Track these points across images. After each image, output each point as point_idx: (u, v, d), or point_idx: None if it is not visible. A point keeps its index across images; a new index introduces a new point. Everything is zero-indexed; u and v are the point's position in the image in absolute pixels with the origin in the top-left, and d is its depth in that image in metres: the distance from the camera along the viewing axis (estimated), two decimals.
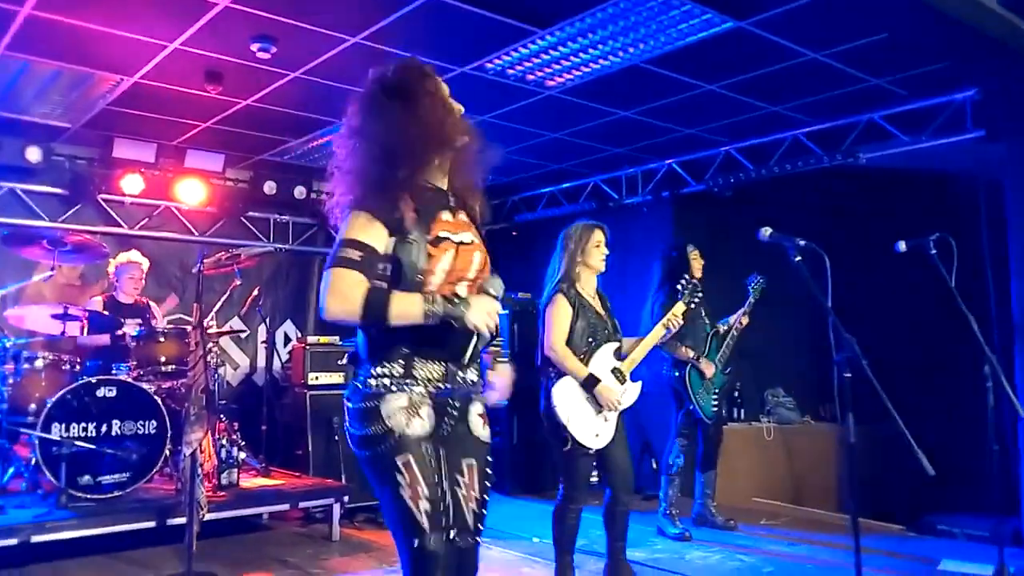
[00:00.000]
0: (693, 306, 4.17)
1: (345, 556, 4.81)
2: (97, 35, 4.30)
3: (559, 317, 3.82)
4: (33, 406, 4.69)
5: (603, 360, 3.87)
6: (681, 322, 3.99)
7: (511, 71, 4.86)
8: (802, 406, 7.45)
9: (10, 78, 4.94)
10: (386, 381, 2.14)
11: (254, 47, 4.36)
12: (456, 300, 2.13)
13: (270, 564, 4.61)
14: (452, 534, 2.16)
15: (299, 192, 7.14)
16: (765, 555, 4.77)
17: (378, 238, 2.12)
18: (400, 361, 2.15)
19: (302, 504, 5.27)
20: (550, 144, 6.42)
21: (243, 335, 7.24)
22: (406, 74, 2.34)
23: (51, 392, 4.61)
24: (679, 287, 4.15)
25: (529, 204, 8.19)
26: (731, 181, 6.35)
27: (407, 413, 2.12)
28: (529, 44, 4.45)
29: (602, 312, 3.96)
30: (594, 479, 4.00)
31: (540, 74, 4.91)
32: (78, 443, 4.44)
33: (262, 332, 7.37)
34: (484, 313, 2.14)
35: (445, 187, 2.33)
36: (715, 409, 5.25)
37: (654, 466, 6.42)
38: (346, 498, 5.27)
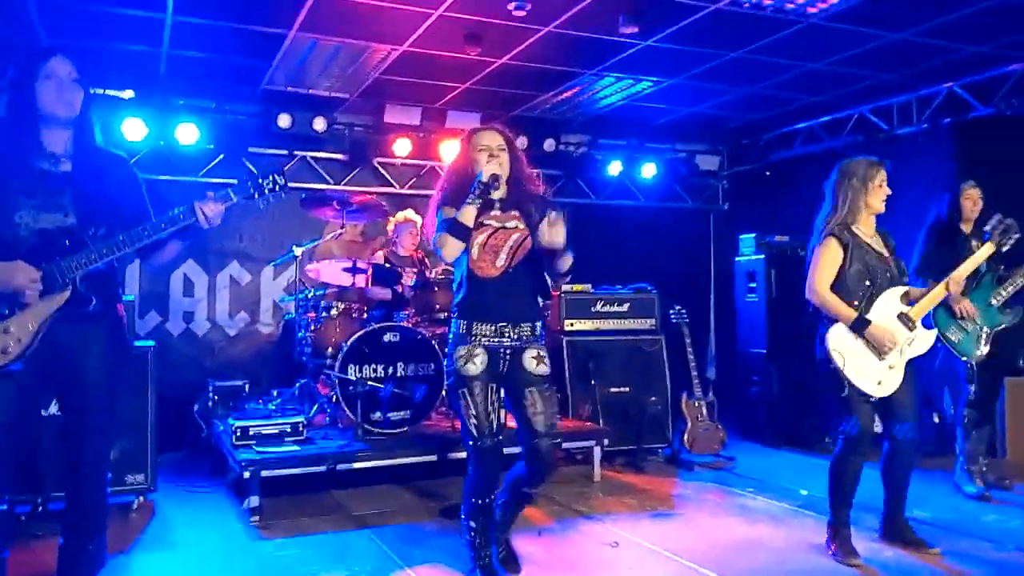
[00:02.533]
0: (1005, 248, 3.74)
1: (608, 496, 4.97)
2: (373, 9, 4.67)
3: (825, 260, 3.63)
4: (331, 349, 5.29)
5: (887, 304, 3.62)
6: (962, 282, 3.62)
7: (766, 1, 4.58)
8: None
9: (300, 56, 5.52)
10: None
11: (510, 6, 4.50)
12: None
13: (538, 500, 4.84)
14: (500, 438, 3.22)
15: (548, 145, 7.31)
16: None
17: None
18: (463, 322, 3.16)
19: (565, 444, 5.49)
20: (808, 75, 5.99)
21: None
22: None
23: (344, 337, 5.18)
24: (988, 227, 3.74)
25: (785, 141, 7.73)
26: None
27: (465, 358, 3.11)
28: None
29: (885, 253, 3.68)
30: (877, 429, 3.77)
31: (801, 1, 4.58)
32: (370, 383, 4.96)
33: None
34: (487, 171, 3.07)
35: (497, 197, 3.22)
36: (983, 349, 4.63)
37: (936, 419, 5.91)
38: (606, 441, 5.43)
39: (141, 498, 4.50)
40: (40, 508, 4.01)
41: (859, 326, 3.56)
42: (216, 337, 6.78)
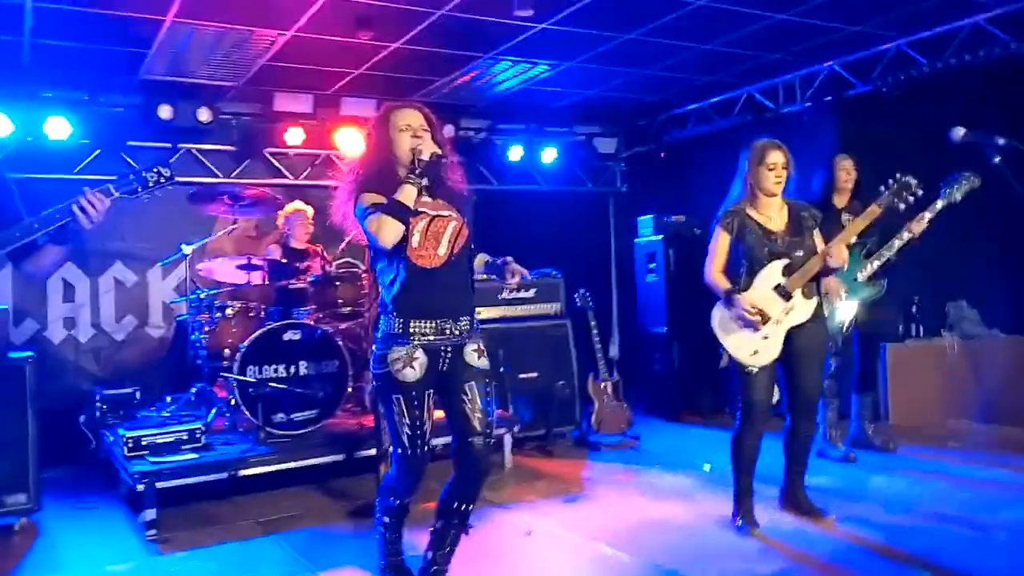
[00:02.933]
0: (904, 208, 3.88)
1: (519, 483, 4.96)
2: None
3: (713, 247, 3.83)
4: (228, 351, 5.08)
5: (767, 277, 3.73)
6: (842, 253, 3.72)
7: None
8: (989, 319, 6.89)
9: (179, 43, 5.22)
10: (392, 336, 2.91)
11: None
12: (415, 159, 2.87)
13: None
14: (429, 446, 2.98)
15: (448, 130, 7.17)
16: (957, 480, 4.52)
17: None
18: (399, 319, 2.89)
19: None
20: (699, 56, 6.09)
21: None
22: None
23: (242, 337, 4.98)
24: (883, 187, 3.87)
25: (678, 122, 7.88)
26: (902, 79, 5.83)
27: (402, 362, 2.85)
28: None
29: (778, 229, 3.76)
30: (774, 401, 3.89)
31: None
32: (271, 384, 4.78)
33: None
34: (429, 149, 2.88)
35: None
36: (845, 322, 4.85)
37: None
38: (516, 427, 5.42)
39: (23, 519, 4.20)
40: None
41: (727, 300, 3.71)
42: (102, 343, 6.37)
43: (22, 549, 3.99)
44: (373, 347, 3.00)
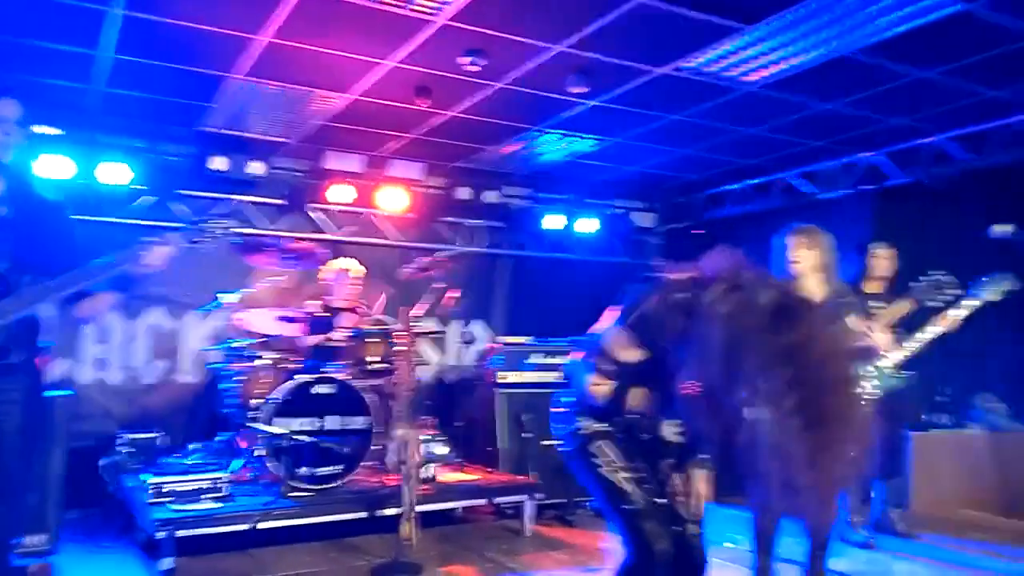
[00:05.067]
0: (935, 304, 3.85)
1: (539, 552, 4.88)
2: (323, 58, 4.63)
3: None
4: (256, 401, 5.09)
5: None
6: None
7: (708, 69, 4.73)
8: (1017, 413, 6.76)
9: (241, 100, 5.41)
10: None
11: (464, 61, 4.50)
12: None
13: (469, 556, 4.75)
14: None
15: (491, 196, 7.31)
16: (977, 573, 4.42)
17: None
18: None
19: (497, 499, 5.41)
20: (743, 139, 6.20)
21: (436, 335, 7.51)
22: None
23: (272, 389, 5.01)
24: (916, 282, 3.85)
25: (717, 201, 7.95)
26: (943, 172, 5.85)
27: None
28: (732, 41, 4.31)
29: None
30: None
31: (739, 70, 4.75)
32: (297, 436, 4.78)
33: (452, 331, 7.64)
34: None
35: None
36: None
37: None
38: (538, 495, 5.35)
39: (40, 561, 4.17)
40: None
41: None
42: (131, 386, 6.38)
43: None
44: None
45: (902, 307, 3.80)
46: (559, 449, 2.70)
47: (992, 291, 4.43)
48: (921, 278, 3.88)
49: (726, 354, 2.03)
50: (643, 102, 5.32)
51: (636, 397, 2.42)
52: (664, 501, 2.49)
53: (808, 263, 3.72)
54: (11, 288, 2.45)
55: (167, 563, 4.06)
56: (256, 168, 6.30)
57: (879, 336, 3.64)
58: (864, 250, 5.09)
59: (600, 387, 2.46)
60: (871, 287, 5.02)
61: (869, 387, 4.72)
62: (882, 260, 5.02)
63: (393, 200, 7.06)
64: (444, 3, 3.94)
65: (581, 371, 2.54)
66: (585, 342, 2.60)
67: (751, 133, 6.02)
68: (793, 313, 2.05)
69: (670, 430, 2.52)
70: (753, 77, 4.84)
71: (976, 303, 4.48)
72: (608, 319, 2.52)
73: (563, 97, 5.17)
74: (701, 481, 2.56)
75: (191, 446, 5.53)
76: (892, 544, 4.93)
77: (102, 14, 4.09)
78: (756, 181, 7.39)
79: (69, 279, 2.49)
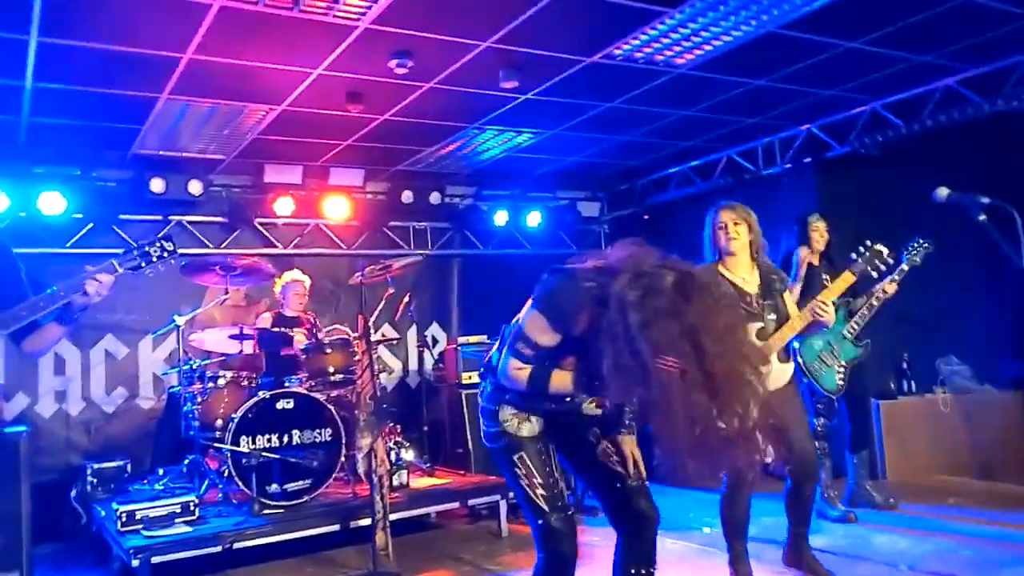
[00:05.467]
0: (877, 275, 3.96)
1: (517, 552, 4.89)
2: (249, 71, 4.59)
3: None
4: (220, 421, 5.05)
5: None
6: (829, 307, 3.76)
7: (639, 54, 4.79)
8: (980, 375, 6.95)
9: (172, 120, 5.33)
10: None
11: (392, 64, 4.51)
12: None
13: (446, 561, 4.76)
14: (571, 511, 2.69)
15: (434, 198, 7.33)
16: (958, 538, 4.49)
17: None
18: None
19: (471, 502, 5.42)
20: (679, 122, 6.29)
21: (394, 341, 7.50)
22: None
23: (234, 407, 4.96)
24: (854, 254, 3.96)
25: (660, 185, 8.05)
26: (879, 140, 6.01)
27: (516, 419, 2.70)
28: (658, 24, 4.36)
29: (752, 292, 3.77)
30: (767, 460, 3.88)
31: (669, 53, 4.81)
32: (264, 454, 4.74)
33: (411, 336, 7.63)
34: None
35: None
36: (840, 383, 4.85)
37: None
38: (511, 494, 5.37)
39: None
40: None
41: None
42: (92, 416, 6.29)
43: None
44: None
45: (846, 279, 3.90)
46: (485, 445, 2.84)
47: (916, 255, 4.63)
48: (859, 249, 3.99)
49: (638, 335, 2.18)
50: (576, 92, 5.36)
51: (557, 379, 2.56)
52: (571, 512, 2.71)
53: (742, 239, 3.80)
54: None
55: None
56: (194, 187, 6.23)
57: (828, 308, 3.73)
58: (803, 222, 5.20)
59: (521, 372, 2.57)
60: (814, 261, 5.12)
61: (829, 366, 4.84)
62: (822, 232, 5.14)
63: (336, 208, 7.03)
64: (367, 7, 3.92)
65: (504, 359, 2.64)
66: (504, 332, 2.75)
67: (687, 115, 6.11)
68: (692, 292, 2.22)
69: (589, 406, 2.73)
70: (683, 60, 4.91)
71: (907, 267, 4.67)
72: (526, 308, 2.66)
73: (496, 93, 5.19)
74: (628, 444, 2.80)
75: (159, 471, 5.45)
76: (870, 517, 5.01)
77: (24, 43, 4.00)
78: (697, 163, 7.50)
79: (14, 314, 2.44)
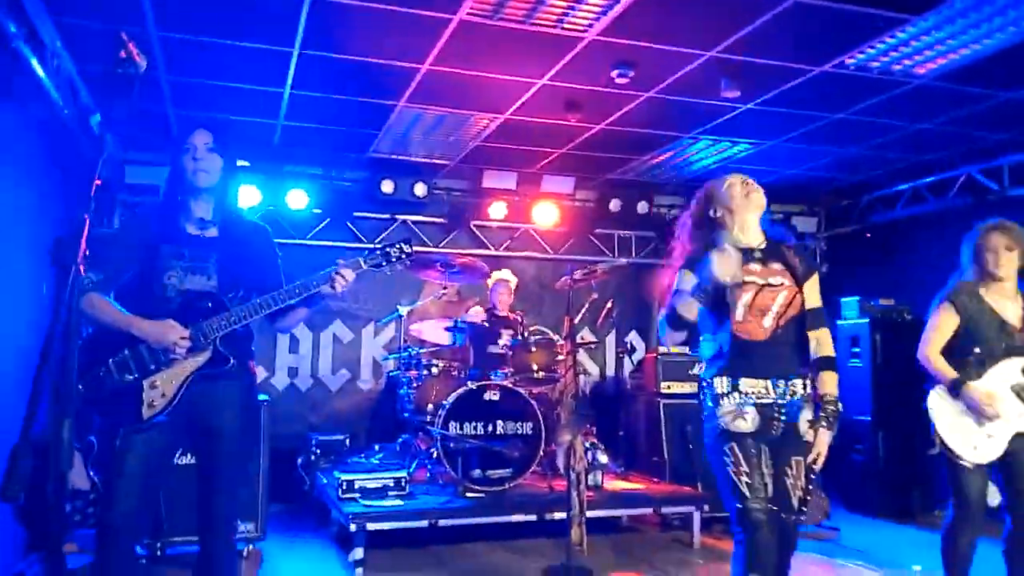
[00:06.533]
0: None
1: (709, 564, 4.83)
2: (479, 81, 4.88)
3: (934, 324, 3.58)
4: (431, 406, 5.40)
5: (1003, 373, 3.46)
6: None
7: (874, 63, 4.57)
8: None
9: (406, 126, 5.78)
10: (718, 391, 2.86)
11: (613, 74, 4.61)
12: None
13: (639, 565, 4.78)
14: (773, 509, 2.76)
15: (642, 207, 7.38)
16: None
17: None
18: (727, 377, 2.84)
19: (664, 509, 5.41)
20: (914, 135, 5.90)
21: (592, 346, 7.63)
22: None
23: (445, 395, 5.29)
24: None
25: (887, 202, 7.56)
26: None
27: (733, 414, 2.80)
28: (898, 33, 4.15)
29: (1013, 322, 3.50)
30: (992, 503, 3.57)
31: (908, 63, 4.55)
32: (471, 440, 5.02)
33: (610, 341, 7.72)
34: (719, 266, 2.71)
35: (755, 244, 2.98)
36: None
37: None
38: (706, 507, 5.30)
39: (251, 546, 4.64)
40: (159, 552, 4.19)
41: (954, 387, 3.46)
42: (319, 392, 7.00)
43: (251, 572, 4.42)
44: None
45: None
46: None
47: None
48: None
49: None
50: (801, 103, 5.20)
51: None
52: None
53: (1012, 267, 3.52)
54: (221, 304, 2.75)
55: (358, 553, 4.39)
56: (419, 190, 6.73)
57: None
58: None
59: None
60: None
61: None
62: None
63: (546, 215, 7.29)
64: (594, 20, 4.06)
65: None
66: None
67: (923, 128, 5.72)
68: None
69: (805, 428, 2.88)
70: (923, 69, 4.62)
71: None
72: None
73: (715, 103, 5.15)
74: (821, 439, 2.88)
75: (375, 447, 5.94)
76: None
77: (288, 55, 4.52)
78: (931, 179, 6.97)
79: (274, 298, 2.77)
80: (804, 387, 2.87)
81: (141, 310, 2.67)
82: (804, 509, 2.81)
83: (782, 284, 2.89)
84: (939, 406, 3.53)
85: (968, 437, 3.45)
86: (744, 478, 2.73)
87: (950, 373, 3.49)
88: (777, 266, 2.93)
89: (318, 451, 5.93)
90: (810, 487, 2.82)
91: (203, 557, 2.80)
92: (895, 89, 4.94)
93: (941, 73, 4.67)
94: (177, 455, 3.97)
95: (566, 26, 4.14)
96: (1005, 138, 5.89)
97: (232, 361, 2.77)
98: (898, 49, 4.35)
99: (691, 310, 2.80)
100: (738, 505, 2.72)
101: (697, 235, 3.04)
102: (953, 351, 3.54)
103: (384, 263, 2.95)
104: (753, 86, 4.88)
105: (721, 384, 2.84)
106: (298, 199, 6.66)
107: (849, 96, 5.09)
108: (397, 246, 2.97)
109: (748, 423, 2.78)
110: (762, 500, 2.71)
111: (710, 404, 2.87)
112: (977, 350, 3.50)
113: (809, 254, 2.98)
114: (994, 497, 3.56)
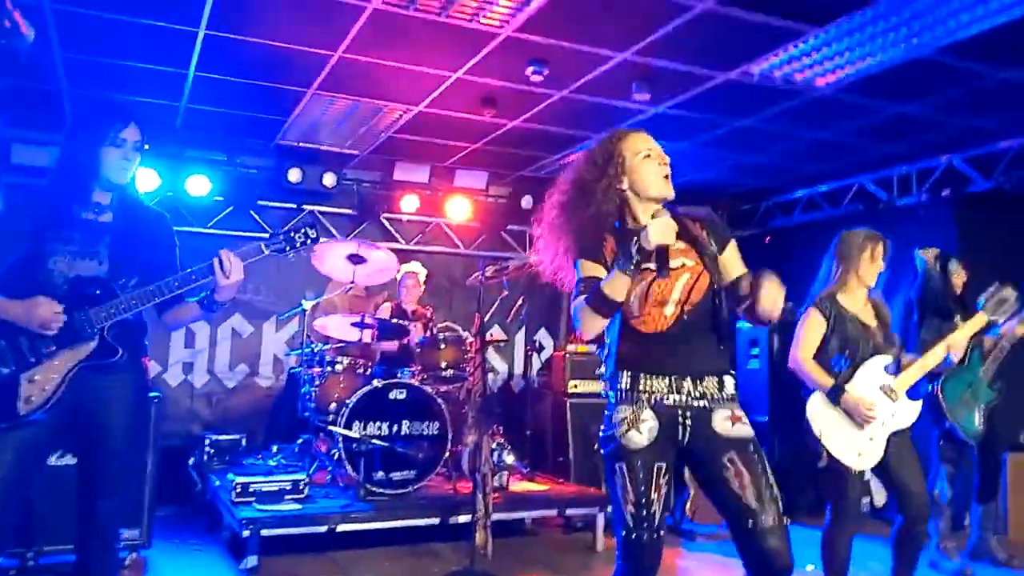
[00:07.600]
0: (1000, 321, 3.75)
1: (611, 567, 4.83)
2: (393, 71, 4.76)
3: (806, 331, 3.64)
4: (334, 405, 5.23)
5: (869, 374, 3.58)
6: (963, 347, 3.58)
7: (778, 72, 4.69)
8: None
9: (316, 114, 5.59)
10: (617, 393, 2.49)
11: (528, 71, 4.57)
12: (637, 238, 2.29)
13: (540, 569, 4.76)
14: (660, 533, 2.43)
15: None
16: None
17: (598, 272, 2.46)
18: (626, 375, 2.47)
19: (568, 511, 5.40)
20: (813, 144, 6.11)
21: (502, 343, 7.60)
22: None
23: (348, 393, 5.13)
24: (982, 297, 3.75)
25: (785, 209, 7.83)
26: None
27: (627, 424, 2.41)
28: (800, 44, 4.27)
29: (870, 324, 3.63)
30: (869, 504, 3.71)
31: (809, 73, 4.69)
32: (374, 441, 4.89)
33: (519, 340, 7.71)
34: (661, 231, 2.27)
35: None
36: (980, 427, 4.56)
37: None
38: (609, 508, 5.34)
39: (134, 554, 4.38)
40: (31, 562, 3.90)
41: (833, 394, 3.53)
42: (214, 389, 6.69)
43: None
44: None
45: (980, 320, 3.69)
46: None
47: None
48: (987, 291, 3.77)
49: None
50: (708, 108, 5.30)
51: None
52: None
53: (871, 274, 3.64)
54: (111, 292, 2.58)
55: (251, 561, 4.20)
56: (328, 180, 6.53)
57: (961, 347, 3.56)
58: (946, 267, 4.93)
59: None
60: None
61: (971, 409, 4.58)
62: (960, 278, 4.88)
63: (458, 209, 7.21)
64: (510, 16, 4.01)
65: None
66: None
67: (822, 137, 5.93)
68: None
69: (724, 424, 2.52)
70: (825, 80, 4.78)
71: None
72: None
73: (627, 104, 5.19)
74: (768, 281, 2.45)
75: (273, 448, 5.72)
76: (988, 573, 4.73)
77: (193, 35, 4.29)
78: (826, 188, 7.26)
79: (167, 284, 2.61)
80: (719, 387, 2.46)
81: (26, 297, 2.48)
82: (778, 505, 2.36)
83: (683, 266, 2.45)
84: (819, 413, 3.57)
85: (852, 443, 3.53)
86: (630, 507, 2.39)
87: (826, 379, 3.55)
88: (680, 244, 2.46)
89: (212, 451, 5.66)
90: (768, 478, 2.39)
91: (80, 567, 2.61)
92: (796, 98, 5.09)
93: (840, 85, 4.83)
94: (55, 456, 3.73)
95: (482, 20, 4.08)
96: (895, 149, 6.16)
97: (121, 352, 2.59)
98: (800, 59, 4.48)
99: (620, 289, 2.30)
100: (621, 532, 2.44)
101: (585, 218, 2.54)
102: (822, 356, 3.62)
103: (288, 248, 2.81)
104: (663, 90, 4.93)
105: (618, 384, 2.48)
106: (199, 185, 6.36)
107: (754, 104, 5.22)
108: (302, 231, 2.84)
109: (643, 435, 2.39)
110: (647, 530, 2.40)
111: (607, 412, 2.52)
112: (847, 353, 3.60)
113: (721, 224, 2.61)
114: (880, 496, 3.69)
